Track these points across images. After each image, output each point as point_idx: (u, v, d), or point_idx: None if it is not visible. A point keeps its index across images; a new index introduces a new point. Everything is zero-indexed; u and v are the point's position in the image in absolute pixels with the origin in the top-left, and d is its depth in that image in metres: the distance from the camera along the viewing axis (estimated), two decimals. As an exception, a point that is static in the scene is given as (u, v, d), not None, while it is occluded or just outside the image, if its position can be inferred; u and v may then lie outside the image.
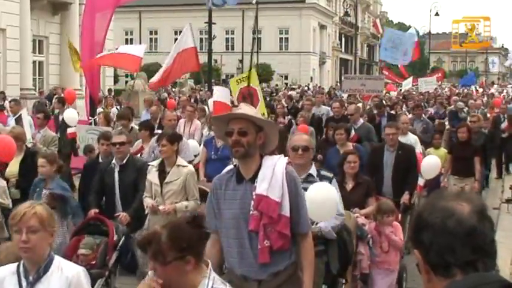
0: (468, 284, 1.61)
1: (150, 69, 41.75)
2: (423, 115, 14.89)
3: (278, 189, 3.74)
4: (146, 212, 6.66)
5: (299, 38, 56.15)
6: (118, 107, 17.70)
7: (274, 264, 3.79)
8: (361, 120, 11.23)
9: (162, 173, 6.46)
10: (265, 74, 50.99)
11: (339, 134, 8.58)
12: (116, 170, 6.91)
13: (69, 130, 11.45)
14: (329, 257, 5.29)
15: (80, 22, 18.53)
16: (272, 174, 3.76)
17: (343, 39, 69.76)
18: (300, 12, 56.16)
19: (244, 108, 3.91)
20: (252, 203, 3.75)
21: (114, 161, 7.00)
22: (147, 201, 6.49)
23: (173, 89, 34.78)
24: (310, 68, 56.96)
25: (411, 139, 9.85)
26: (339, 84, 45.77)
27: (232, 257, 3.87)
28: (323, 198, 4.84)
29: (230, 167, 4.11)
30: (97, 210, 6.68)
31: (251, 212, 3.75)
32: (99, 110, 13.75)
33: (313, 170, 5.23)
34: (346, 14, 54.19)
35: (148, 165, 6.85)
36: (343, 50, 69.54)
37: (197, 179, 8.54)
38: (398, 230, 6.40)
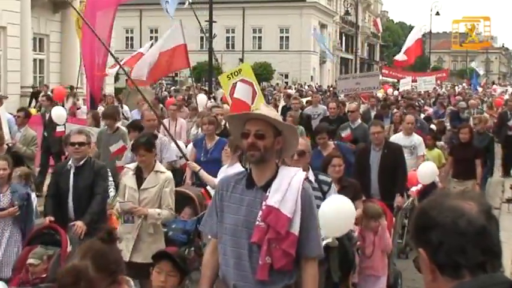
0: (476, 286, 1.60)
1: (151, 68, 41.95)
2: (421, 114, 14.72)
3: (291, 204, 3.44)
4: (116, 217, 6.19)
5: (299, 37, 56.08)
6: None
7: (272, 283, 3.47)
8: (359, 121, 11.08)
9: (139, 179, 5.93)
10: (265, 73, 51.00)
11: (321, 138, 8.39)
12: (72, 171, 6.37)
13: (58, 129, 11.15)
14: (330, 265, 5.11)
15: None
16: (288, 186, 3.46)
17: (343, 38, 69.71)
18: (300, 11, 56.12)
19: (264, 109, 3.61)
20: (260, 213, 3.43)
21: (70, 162, 6.49)
22: (128, 205, 5.82)
23: (171, 88, 34.76)
24: (310, 67, 56.94)
25: (415, 140, 9.64)
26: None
27: (227, 266, 3.56)
28: (339, 214, 4.71)
29: (239, 168, 3.85)
30: (52, 218, 6.18)
31: (257, 223, 3.43)
32: (100, 108, 13.73)
33: (310, 175, 4.97)
34: (347, 13, 54.20)
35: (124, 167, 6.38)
36: (343, 49, 69.49)
37: (183, 181, 8.17)
38: (385, 234, 6.15)
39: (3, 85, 21.21)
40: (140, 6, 53.14)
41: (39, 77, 24.08)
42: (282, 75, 53.78)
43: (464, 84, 49.47)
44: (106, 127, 9.64)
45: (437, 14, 59.48)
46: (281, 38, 57.45)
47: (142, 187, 5.88)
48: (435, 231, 1.67)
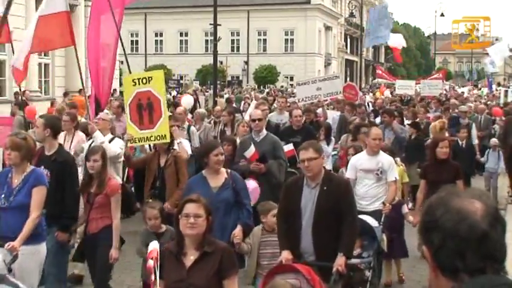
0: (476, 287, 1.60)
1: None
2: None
3: None
4: None
5: (304, 39, 56.16)
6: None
7: None
8: (265, 131, 8.24)
9: None
10: (270, 75, 51.09)
11: (218, 154, 5.80)
12: None
13: None
14: None
15: (85, 24, 18.61)
16: None
17: (348, 40, 69.70)
18: (305, 14, 56.17)
19: None
20: None
21: None
22: None
23: (171, 93, 34.72)
24: (315, 70, 56.93)
25: (383, 161, 7.09)
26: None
27: None
28: None
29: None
30: None
31: None
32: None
33: None
34: (352, 15, 54.09)
35: None
36: (348, 51, 69.47)
37: None
38: None
39: (8, 90, 21.28)
40: (145, 9, 53.33)
41: (45, 81, 24.15)
42: (287, 77, 53.81)
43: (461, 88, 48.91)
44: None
45: (442, 15, 59.52)
46: (286, 40, 57.52)
47: None
48: (437, 233, 1.68)
